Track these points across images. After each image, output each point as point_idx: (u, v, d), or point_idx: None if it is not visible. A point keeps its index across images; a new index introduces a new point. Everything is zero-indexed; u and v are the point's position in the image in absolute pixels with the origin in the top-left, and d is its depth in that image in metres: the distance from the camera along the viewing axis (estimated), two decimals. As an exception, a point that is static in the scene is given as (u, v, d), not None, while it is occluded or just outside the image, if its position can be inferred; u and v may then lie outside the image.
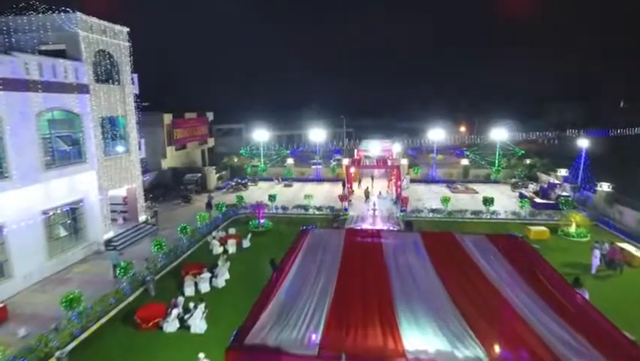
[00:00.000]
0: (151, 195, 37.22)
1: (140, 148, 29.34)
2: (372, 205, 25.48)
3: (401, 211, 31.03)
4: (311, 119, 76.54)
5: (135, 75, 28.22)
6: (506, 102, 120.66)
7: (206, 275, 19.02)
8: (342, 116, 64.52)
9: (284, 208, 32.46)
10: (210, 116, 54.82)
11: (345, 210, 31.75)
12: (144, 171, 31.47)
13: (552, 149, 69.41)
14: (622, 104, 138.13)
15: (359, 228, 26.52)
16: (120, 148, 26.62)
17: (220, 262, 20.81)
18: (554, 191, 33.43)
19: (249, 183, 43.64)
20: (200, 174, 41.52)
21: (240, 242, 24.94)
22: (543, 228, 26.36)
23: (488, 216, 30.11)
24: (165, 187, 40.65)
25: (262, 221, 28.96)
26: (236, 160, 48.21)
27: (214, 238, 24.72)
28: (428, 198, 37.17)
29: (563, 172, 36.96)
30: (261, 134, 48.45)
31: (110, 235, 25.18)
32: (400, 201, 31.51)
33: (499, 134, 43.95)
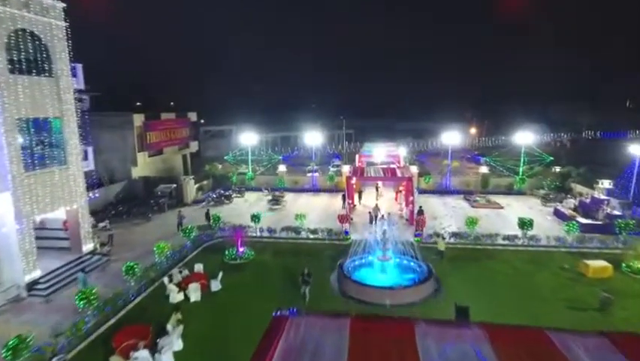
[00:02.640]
0: (113, 213, 31.11)
1: (86, 158, 23.14)
2: (382, 234, 19.55)
3: (416, 236, 24.91)
4: (308, 119, 70.52)
5: (78, 65, 22.06)
6: (512, 102, 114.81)
7: (142, 354, 12.80)
8: (341, 117, 58.54)
9: (270, 231, 26.29)
10: (193, 116, 48.63)
11: (346, 233, 25.64)
12: (94, 186, 25.24)
13: (569, 153, 63.22)
14: (628, 104, 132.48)
15: (368, 287, 20.46)
16: (52, 160, 20.39)
17: (169, 326, 14.65)
18: (601, 208, 27.32)
19: (234, 195, 37.47)
20: (175, 185, 35.32)
21: (208, 284, 18.80)
22: (604, 262, 20.28)
23: (525, 242, 23.98)
24: (134, 200, 34.53)
25: (242, 250, 22.83)
26: (220, 167, 42.00)
27: (170, 281, 18.49)
28: (444, 215, 31.06)
29: (605, 184, 30.87)
30: (248, 138, 42.25)
31: (36, 274, 19.02)
32: (414, 222, 25.37)
33: (525, 137, 37.81)
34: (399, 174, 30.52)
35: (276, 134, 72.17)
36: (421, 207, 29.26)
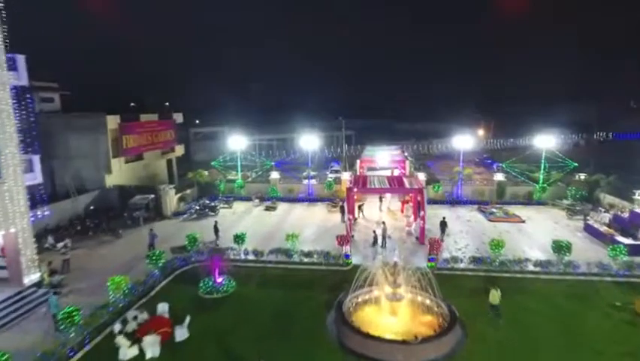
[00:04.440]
0: (79, 228, 27.13)
1: (31, 170, 19.06)
2: (393, 267, 15.56)
3: (429, 260, 20.90)
4: (305, 120, 66.49)
5: (19, 57, 18.00)
6: (517, 102, 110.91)
7: None
8: (340, 118, 54.49)
9: (256, 254, 22.22)
10: (179, 117, 44.53)
11: (347, 257, 21.62)
12: (44, 202, 21.19)
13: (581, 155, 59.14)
14: (632, 104, 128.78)
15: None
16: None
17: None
18: (642, 225, 23.32)
19: (221, 206, 33.44)
20: (153, 196, 31.26)
21: (172, 332, 14.77)
22: (666, 301, 16.30)
23: (561, 269, 19.96)
24: (107, 213, 30.50)
25: (220, 280, 18.80)
26: (206, 174, 37.96)
27: (120, 331, 14.41)
28: (459, 231, 27.05)
29: (642, 195, 26.92)
30: (237, 141, 38.18)
31: (-46, 319, 14.98)
32: (428, 244, 21.35)
33: (545, 140, 33.77)
34: (407, 184, 26.49)
35: (271, 137, 68.08)
36: (444, 218, 25.48)
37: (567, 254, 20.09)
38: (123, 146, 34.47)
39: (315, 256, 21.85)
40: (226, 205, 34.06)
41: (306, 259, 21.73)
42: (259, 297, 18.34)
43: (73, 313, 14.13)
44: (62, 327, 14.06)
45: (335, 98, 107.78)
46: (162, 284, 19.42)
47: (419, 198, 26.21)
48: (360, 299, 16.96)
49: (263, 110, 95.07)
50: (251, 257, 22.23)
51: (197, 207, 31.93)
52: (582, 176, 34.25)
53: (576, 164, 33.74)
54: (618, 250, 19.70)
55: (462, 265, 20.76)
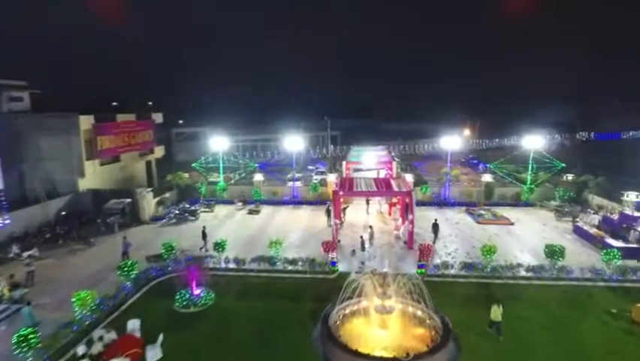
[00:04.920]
0: (48, 236, 25.51)
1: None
2: (382, 278, 14.60)
3: (419, 267, 20.04)
4: (291, 121, 65.35)
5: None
6: (501, 102, 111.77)
7: None
8: (325, 118, 53.48)
9: (238, 262, 21.02)
10: (158, 117, 42.88)
11: (333, 264, 20.61)
12: (4, 210, 19.59)
13: (568, 156, 59.54)
14: (615, 105, 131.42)
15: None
16: None
17: None
18: (634, 228, 22.91)
19: (202, 210, 32.09)
20: (129, 200, 29.72)
21: (143, 353, 13.53)
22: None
23: (553, 274, 19.32)
24: (80, 218, 28.87)
25: (198, 292, 17.57)
26: (187, 176, 36.49)
27: (84, 355, 13.08)
28: (447, 234, 26.29)
29: (632, 197, 26.57)
30: (219, 142, 36.80)
31: None
32: (418, 251, 20.48)
33: (534, 141, 33.37)
34: (395, 186, 25.61)
35: (255, 137, 66.69)
36: (436, 220, 24.77)
37: (560, 259, 19.47)
38: (98, 147, 32.78)
39: (300, 263, 20.78)
40: (207, 209, 32.72)
41: (290, 267, 20.65)
42: (240, 309, 17.17)
43: (30, 337, 12.72)
44: (17, 352, 12.64)
45: (321, 98, 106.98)
46: (135, 298, 18.06)
47: (407, 201, 25.39)
48: (347, 311, 15.98)
49: (248, 110, 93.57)
50: (232, 265, 21.01)
51: (177, 212, 30.49)
52: (570, 177, 33.98)
53: (564, 164, 33.40)
54: (612, 254, 19.13)
55: (453, 272, 19.96)
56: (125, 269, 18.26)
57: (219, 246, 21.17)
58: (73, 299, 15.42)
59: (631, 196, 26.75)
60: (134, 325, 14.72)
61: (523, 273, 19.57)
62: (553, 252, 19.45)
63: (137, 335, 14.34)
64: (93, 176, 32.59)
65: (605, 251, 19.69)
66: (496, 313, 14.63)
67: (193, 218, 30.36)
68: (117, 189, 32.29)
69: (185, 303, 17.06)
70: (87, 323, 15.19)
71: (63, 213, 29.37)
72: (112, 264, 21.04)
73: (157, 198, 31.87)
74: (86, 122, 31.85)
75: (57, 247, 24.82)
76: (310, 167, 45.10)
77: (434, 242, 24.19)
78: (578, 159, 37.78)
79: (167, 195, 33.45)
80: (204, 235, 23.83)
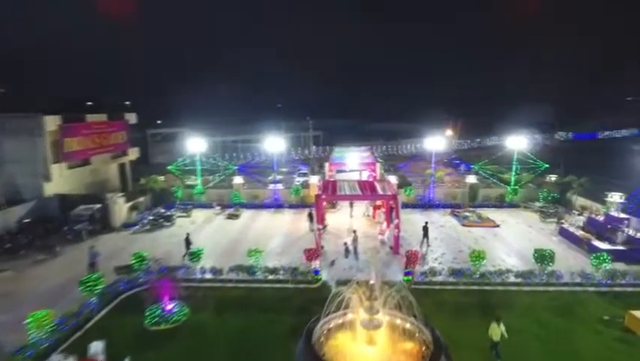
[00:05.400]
0: (9, 246, 23.62)
1: None
2: (370, 290, 13.70)
3: (406, 275, 19.19)
4: (272, 120, 64.08)
5: None
6: (480, 102, 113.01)
7: None
8: (307, 118, 52.41)
9: (215, 272, 19.74)
10: (132, 117, 40.94)
11: (316, 273, 19.55)
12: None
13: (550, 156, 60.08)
14: (585, 105, 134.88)
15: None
16: None
17: None
18: (620, 229, 22.66)
19: (178, 215, 30.60)
20: (99, 205, 27.98)
21: (106, 380, 12.18)
22: (656, 314, 15.30)
23: (544, 279, 18.76)
24: (45, 226, 26.99)
25: (171, 308, 16.23)
26: (162, 180, 34.84)
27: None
28: (433, 238, 25.48)
29: (616, 198, 26.44)
30: (196, 143, 35.25)
31: None
32: (405, 257, 19.60)
33: (518, 142, 33.09)
34: (379, 189, 24.74)
35: (235, 138, 65.10)
36: (426, 223, 24.04)
37: (550, 264, 18.92)
38: (65, 150, 30.84)
39: (282, 272, 19.65)
40: (184, 214, 31.22)
41: (271, 277, 19.48)
42: (216, 325, 15.93)
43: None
44: None
45: (303, 97, 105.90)
46: (100, 315, 16.59)
47: (392, 204, 24.58)
48: (332, 325, 14.94)
49: (229, 110, 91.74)
50: (208, 276, 19.71)
51: (151, 218, 28.91)
52: (553, 177, 33.85)
53: (547, 165, 33.24)
54: (602, 258, 18.68)
55: (440, 278, 19.18)
56: (89, 284, 16.73)
57: (194, 256, 19.80)
58: (29, 320, 13.88)
59: (614, 197, 26.62)
60: (96, 348, 13.28)
61: (512, 278, 18.95)
62: (543, 257, 18.89)
63: (100, 358, 12.96)
64: (60, 180, 30.62)
65: (594, 255, 19.22)
66: (495, 331, 13.58)
67: (168, 224, 28.85)
68: (87, 194, 30.44)
69: (156, 320, 15.70)
70: (44, 346, 13.68)
71: (26, 220, 27.38)
72: (78, 276, 19.24)
73: (130, 203, 30.16)
74: (51, 122, 29.87)
75: (18, 257, 22.99)
76: (301, 170, 43.77)
77: (422, 245, 23.64)
78: (561, 158, 37.69)
79: (140, 199, 31.74)
80: (188, 243, 22.42)
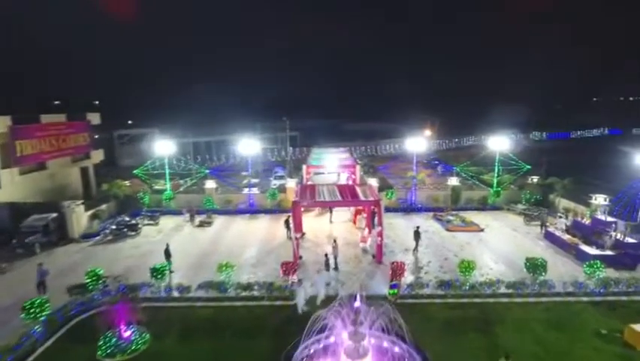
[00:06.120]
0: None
1: None
2: (355, 314, 12.18)
3: (391, 287, 17.78)
4: (247, 120, 61.89)
5: None
6: (455, 102, 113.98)
7: None
8: (284, 118, 50.55)
9: (181, 290, 17.78)
10: (95, 118, 38.08)
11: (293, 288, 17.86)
12: None
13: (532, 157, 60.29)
14: (554, 106, 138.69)
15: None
16: None
17: None
18: (607, 233, 21.99)
19: (144, 223, 28.33)
20: (55, 214, 25.43)
21: None
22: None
23: (535, 289, 17.71)
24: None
25: (128, 334, 14.25)
26: (128, 185, 32.38)
27: None
28: (419, 244, 24.29)
29: (600, 200, 25.92)
30: (164, 145, 32.93)
31: None
32: (390, 270, 18.15)
33: (500, 143, 32.36)
34: (361, 194, 23.28)
35: (209, 138, 62.57)
36: (418, 228, 23.09)
37: (543, 274, 17.90)
38: (17, 153, 28.06)
39: (256, 287, 17.89)
40: (151, 222, 28.93)
41: (244, 293, 17.70)
42: (180, 355, 14.05)
43: None
44: None
45: (279, 96, 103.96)
46: (46, 345, 14.40)
47: (375, 210, 23.23)
48: (312, 351, 13.34)
49: (204, 109, 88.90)
50: (174, 294, 17.73)
51: (113, 227, 26.53)
52: (535, 179, 33.30)
53: (528, 166, 32.64)
54: (596, 266, 17.78)
55: (428, 291, 17.88)
56: (32, 311, 14.52)
57: (157, 272, 17.77)
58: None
59: (599, 199, 26.13)
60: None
61: (503, 289, 17.83)
62: (535, 266, 17.85)
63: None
64: (11, 187, 27.83)
65: (587, 263, 18.31)
66: None
67: (133, 233, 26.56)
68: (41, 202, 27.73)
69: (110, 350, 13.70)
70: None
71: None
72: (25, 297, 17.05)
73: (90, 212, 27.67)
74: (0, 123, 27.05)
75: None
76: (278, 173, 41.77)
77: (415, 251, 22.78)
78: (544, 159, 37.29)
79: (103, 207, 29.24)
80: (168, 254, 20.36)
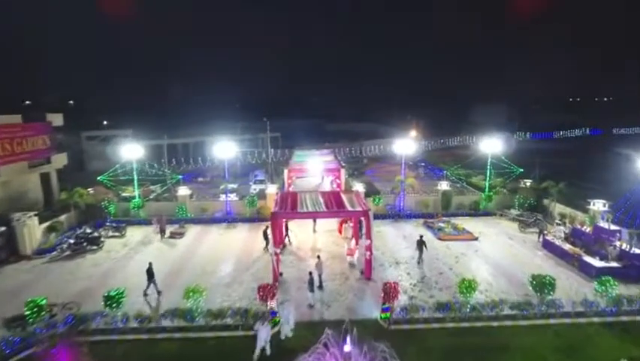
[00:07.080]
0: None
1: None
2: (346, 353, 10.08)
3: (383, 311, 15.71)
4: (227, 120, 59.26)
5: None
6: (435, 103, 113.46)
7: None
8: (265, 119, 48.15)
9: (142, 320, 15.26)
10: (57, 119, 34.85)
11: (273, 314, 15.57)
12: None
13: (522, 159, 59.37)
14: (533, 106, 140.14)
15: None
16: None
17: None
18: (610, 242, 20.47)
19: (109, 235, 25.59)
20: (3, 228, 22.47)
21: None
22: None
23: (542, 310, 15.89)
24: None
25: (71, 381, 11.73)
26: (91, 192, 29.49)
27: None
28: (410, 257, 22.34)
29: (600, 206, 24.49)
30: (131, 149, 30.17)
31: None
32: (383, 292, 16.04)
33: (492, 145, 30.76)
34: (347, 204, 21.13)
35: (185, 140, 59.59)
36: (421, 237, 21.48)
37: (551, 293, 16.11)
38: (-39, 159, 24.92)
39: (229, 313, 15.54)
40: (116, 233, 26.15)
41: (214, 322, 15.33)
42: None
43: None
44: None
45: (262, 98, 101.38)
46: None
47: (363, 220, 21.19)
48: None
49: (181, 110, 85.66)
50: (133, 324, 15.22)
51: (72, 241, 23.69)
52: (528, 182, 31.82)
53: (521, 169, 31.14)
54: (609, 283, 16.08)
55: (424, 314, 15.88)
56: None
57: (112, 300, 15.20)
58: None
59: (597, 205, 24.71)
60: None
61: (507, 310, 15.98)
62: (543, 285, 16.02)
63: None
64: (-45, 197, 24.68)
65: (598, 280, 16.60)
66: None
67: (95, 248, 23.78)
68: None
69: (47, 404, 11.19)
70: None
71: None
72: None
73: (46, 224, 24.78)
74: (-60, 126, 23.91)
75: None
76: (257, 177, 39.31)
77: (419, 261, 21.26)
78: (537, 162, 35.91)
79: (61, 218, 26.34)
80: (150, 274, 17.81)
